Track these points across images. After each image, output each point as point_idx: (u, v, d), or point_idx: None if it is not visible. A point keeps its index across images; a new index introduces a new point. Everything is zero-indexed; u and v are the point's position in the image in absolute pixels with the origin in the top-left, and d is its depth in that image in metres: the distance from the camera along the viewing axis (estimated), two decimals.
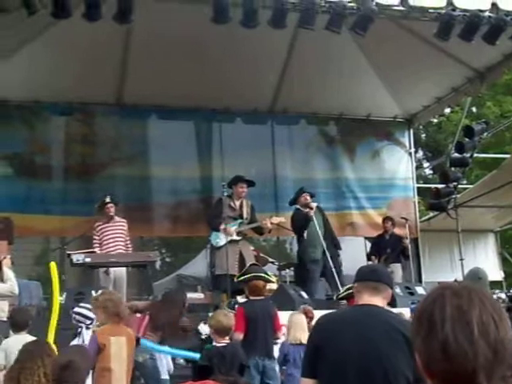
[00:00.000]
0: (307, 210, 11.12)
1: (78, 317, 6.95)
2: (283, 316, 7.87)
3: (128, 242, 10.80)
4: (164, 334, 7.24)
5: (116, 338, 5.82)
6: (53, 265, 7.13)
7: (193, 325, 7.66)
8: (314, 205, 11.25)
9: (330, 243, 11.13)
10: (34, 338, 6.43)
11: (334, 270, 10.48)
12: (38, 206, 12.32)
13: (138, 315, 7.19)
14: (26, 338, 6.34)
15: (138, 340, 6.70)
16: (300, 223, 11.22)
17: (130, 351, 5.96)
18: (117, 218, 10.74)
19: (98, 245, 10.61)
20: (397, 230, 12.58)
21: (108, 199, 10.68)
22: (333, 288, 10.54)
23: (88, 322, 6.91)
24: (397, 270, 12.21)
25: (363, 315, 3.59)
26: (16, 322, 6.70)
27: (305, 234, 11.14)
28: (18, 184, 12.36)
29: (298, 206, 11.38)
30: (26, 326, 6.68)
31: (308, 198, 11.33)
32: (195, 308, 9.46)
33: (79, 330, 6.82)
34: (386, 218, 12.89)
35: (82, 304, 7.24)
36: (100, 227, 10.68)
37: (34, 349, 4.81)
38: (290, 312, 8.08)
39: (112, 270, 10.28)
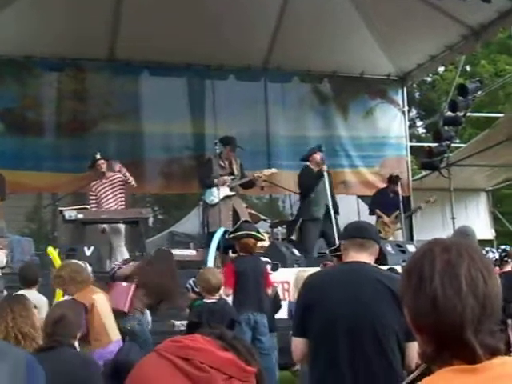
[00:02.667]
0: (319, 168, 10.82)
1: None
2: (275, 273, 7.94)
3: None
4: (155, 301, 7.03)
5: (97, 296, 5.81)
6: (51, 250, 7.13)
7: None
8: (325, 167, 10.84)
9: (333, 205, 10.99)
10: (41, 296, 6.38)
11: (335, 229, 10.17)
12: (29, 162, 12.27)
13: (125, 284, 6.91)
14: (33, 294, 6.16)
15: (123, 314, 6.59)
16: (310, 181, 10.93)
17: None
18: (110, 173, 10.70)
19: (94, 203, 10.59)
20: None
21: (98, 155, 10.64)
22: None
23: None
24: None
25: (352, 273, 3.60)
26: (26, 278, 6.62)
27: (312, 194, 10.89)
28: (9, 140, 12.28)
29: (307, 164, 11.10)
30: (36, 283, 6.58)
31: (323, 158, 10.95)
32: (187, 265, 9.47)
33: None
34: (397, 177, 12.46)
35: None
36: (95, 186, 10.63)
37: (6, 299, 4.80)
38: (297, 270, 8.07)
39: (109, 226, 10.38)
